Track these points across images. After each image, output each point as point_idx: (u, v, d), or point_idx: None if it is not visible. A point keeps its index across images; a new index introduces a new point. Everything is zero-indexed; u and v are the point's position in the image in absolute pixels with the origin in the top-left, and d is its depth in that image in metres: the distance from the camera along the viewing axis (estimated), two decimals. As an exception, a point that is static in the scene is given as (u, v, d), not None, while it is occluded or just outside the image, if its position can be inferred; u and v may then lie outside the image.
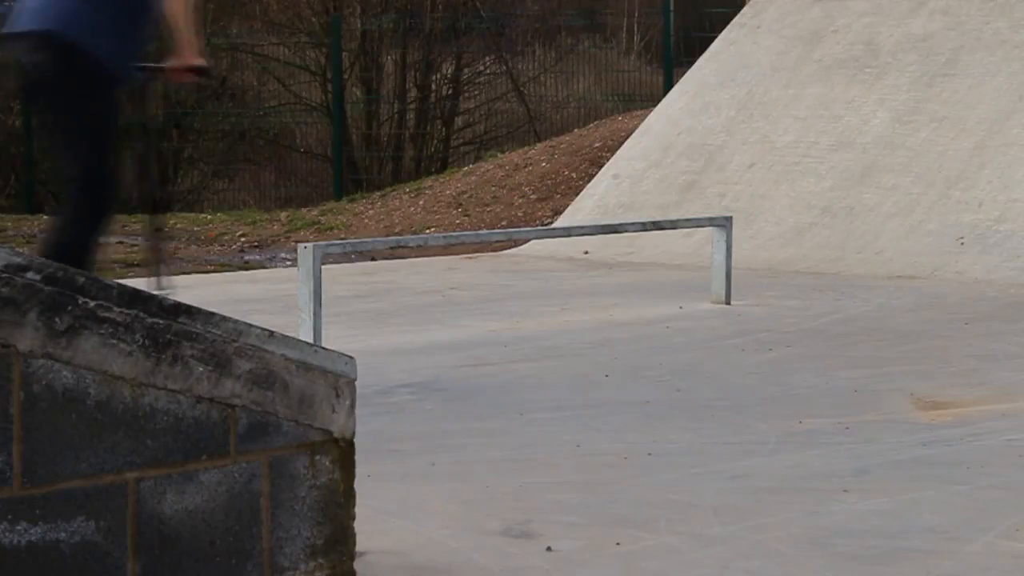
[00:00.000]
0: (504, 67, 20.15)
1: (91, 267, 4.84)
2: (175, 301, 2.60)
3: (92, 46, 4.89)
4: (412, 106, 19.99)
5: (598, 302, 7.62)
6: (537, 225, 11.61)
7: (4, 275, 2.37)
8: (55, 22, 4.91)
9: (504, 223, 11.98)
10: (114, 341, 2.49)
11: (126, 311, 2.51)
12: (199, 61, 5.21)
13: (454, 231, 11.63)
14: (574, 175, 12.82)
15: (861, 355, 6.00)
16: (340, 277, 8.61)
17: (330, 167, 18.42)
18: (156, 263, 5.58)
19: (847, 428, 4.59)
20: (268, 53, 20.44)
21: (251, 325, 2.69)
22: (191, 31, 5.12)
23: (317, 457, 2.80)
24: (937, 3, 10.69)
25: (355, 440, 2.88)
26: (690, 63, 12.12)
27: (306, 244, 5.95)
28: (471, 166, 14.92)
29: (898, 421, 4.72)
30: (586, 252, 9.84)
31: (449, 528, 3.48)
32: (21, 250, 2.47)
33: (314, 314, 5.85)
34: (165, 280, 5.40)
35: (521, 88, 19.94)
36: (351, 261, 10.07)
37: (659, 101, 12.36)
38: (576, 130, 14.93)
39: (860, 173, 9.78)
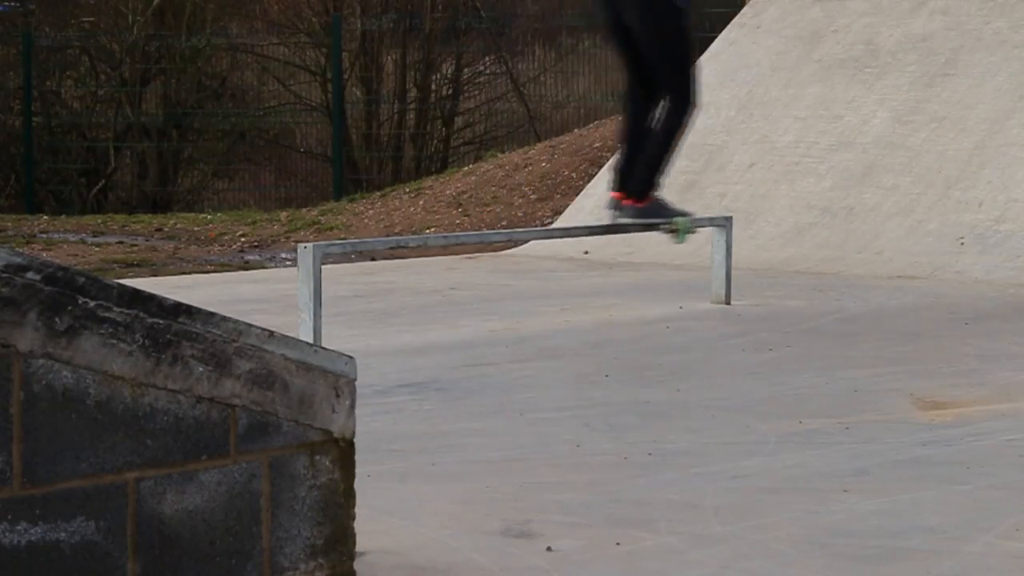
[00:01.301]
0: (504, 67, 20.16)
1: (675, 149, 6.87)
2: (175, 301, 2.60)
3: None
4: (412, 106, 19.99)
5: (598, 302, 7.62)
6: (537, 225, 11.61)
7: (4, 275, 2.37)
8: None
9: (504, 223, 11.98)
10: (114, 341, 2.49)
11: (126, 311, 2.51)
12: None
13: (454, 231, 11.63)
14: (574, 175, 12.82)
15: (861, 355, 6.00)
16: (340, 277, 8.60)
17: (330, 167, 18.43)
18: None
19: (847, 428, 4.59)
20: (268, 53, 20.45)
21: (251, 325, 2.69)
22: None
23: (317, 457, 2.80)
24: (937, 3, 10.70)
25: (355, 440, 2.88)
26: (690, 63, 12.10)
27: (306, 244, 5.96)
28: (471, 166, 14.93)
29: (898, 421, 4.71)
30: (586, 252, 9.84)
31: (449, 528, 3.48)
32: (21, 250, 2.47)
33: (314, 314, 5.85)
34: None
35: (521, 88, 19.95)
36: (351, 261, 10.07)
37: (659, 101, 12.34)
38: (576, 130, 14.93)
39: (860, 173, 9.78)
